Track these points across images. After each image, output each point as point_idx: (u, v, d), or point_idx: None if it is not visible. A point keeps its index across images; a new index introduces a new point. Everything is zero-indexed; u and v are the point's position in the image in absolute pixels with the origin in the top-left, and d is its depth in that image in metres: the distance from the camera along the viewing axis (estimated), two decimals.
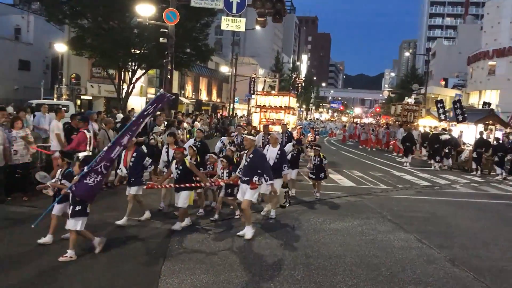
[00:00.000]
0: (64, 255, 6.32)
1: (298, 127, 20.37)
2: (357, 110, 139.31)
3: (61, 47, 33.76)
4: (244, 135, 8.66)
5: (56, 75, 42.53)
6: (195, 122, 24.97)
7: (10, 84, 41.68)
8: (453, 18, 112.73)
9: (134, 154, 8.48)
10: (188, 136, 14.54)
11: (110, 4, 24.12)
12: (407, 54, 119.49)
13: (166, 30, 18.66)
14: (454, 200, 12.99)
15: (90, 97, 36.79)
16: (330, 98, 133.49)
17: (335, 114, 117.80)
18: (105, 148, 7.00)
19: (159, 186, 8.53)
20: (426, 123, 28.62)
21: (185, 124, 18.30)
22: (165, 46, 19.13)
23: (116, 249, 6.92)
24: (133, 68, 27.98)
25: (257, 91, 18.95)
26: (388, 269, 6.80)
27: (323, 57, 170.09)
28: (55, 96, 35.78)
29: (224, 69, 53.93)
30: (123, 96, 28.08)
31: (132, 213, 8.45)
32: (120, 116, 15.25)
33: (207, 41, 30.69)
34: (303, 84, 66.72)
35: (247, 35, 78.28)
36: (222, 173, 9.29)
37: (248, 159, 8.07)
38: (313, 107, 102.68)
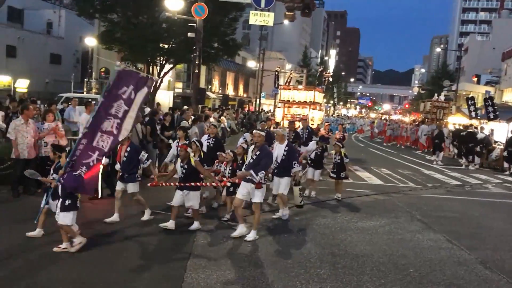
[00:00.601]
0: (59, 246, 6.35)
1: (326, 123, 19.43)
2: (386, 107, 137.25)
3: (91, 41, 34.34)
4: (255, 130, 8.07)
5: (86, 68, 43.22)
6: (221, 117, 25.03)
7: (41, 78, 42.58)
8: (487, 13, 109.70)
9: (128, 149, 8.12)
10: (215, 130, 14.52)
11: None
12: (438, 49, 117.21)
13: (195, 25, 18.70)
14: (486, 201, 12.63)
15: None
16: (358, 93, 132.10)
17: (363, 110, 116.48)
18: (80, 136, 6.63)
19: (163, 184, 8.18)
20: (456, 121, 28.01)
21: (211, 119, 18.33)
22: (193, 41, 19.17)
23: (142, 243, 6.97)
24: (161, 62, 28.21)
25: (280, 85, 18.29)
26: (417, 270, 6.64)
27: (351, 52, 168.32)
28: (85, 89, 36.41)
29: (251, 64, 53.85)
30: (151, 90, 28.33)
31: (154, 207, 8.48)
32: (147, 110, 15.34)
33: (235, 35, 30.66)
34: (330, 78, 66.10)
35: (275, 30, 77.91)
36: (225, 169, 8.76)
37: (255, 156, 7.56)
38: (341, 103, 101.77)
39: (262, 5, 16.83)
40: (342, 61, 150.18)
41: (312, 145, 11.21)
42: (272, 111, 44.51)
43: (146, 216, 8.23)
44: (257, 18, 17.74)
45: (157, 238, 7.25)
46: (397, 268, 6.66)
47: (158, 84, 28.27)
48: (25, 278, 5.44)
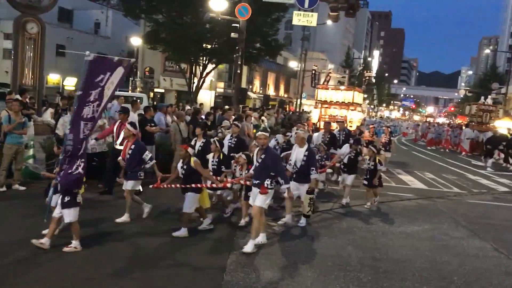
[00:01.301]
0: (69, 246, 6.25)
1: (370, 125, 18.59)
2: (430, 109, 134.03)
3: (136, 41, 35.18)
4: (260, 132, 7.28)
5: (131, 68, 44.26)
6: (262, 118, 25.06)
7: None
8: None
9: (132, 146, 7.85)
10: (254, 130, 14.55)
11: None
12: (487, 51, 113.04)
13: (238, 25, 18.83)
14: None
15: (163, 90, 38.06)
16: (401, 95, 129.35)
17: (406, 112, 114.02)
18: (67, 131, 6.41)
19: (165, 186, 7.72)
20: (503, 125, 26.95)
21: (252, 119, 18.39)
22: (236, 41, 19.31)
23: (183, 241, 7.06)
24: (204, 62, 28.57)
25: (318, 84, 17.30)
26: (461, 277, 6.45)
27: (395, 53, 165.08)
28: (130, 88, 37.32)
29: (293, 64, 53.68)
30: (194, 89, 28.75)
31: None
32: (187, 108, 15.61)
33: (277, 36, 30.68)
34: (373, 79, 64.96)
35: (318, 30, 77.32)
36: (240, 173, 8.27)
37: (260, 160, 6.94)
38: (384, 105, 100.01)
39: (306, 5, 16.76)
40: (386, 62, 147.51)
41: (345, 148, 10.67)
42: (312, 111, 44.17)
43: (123, 219, 7.70)
44: (300, 18, 17.66)
45: (198, 237, 7.33)
46: (441, 275, 6.49)
47: (200, 84, 28.69)
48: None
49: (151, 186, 7.87)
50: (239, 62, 19.51)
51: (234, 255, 6.60)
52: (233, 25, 19.05)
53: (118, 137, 9.14)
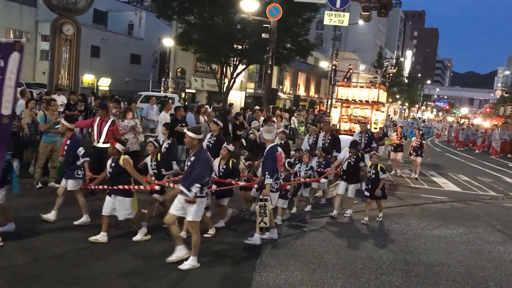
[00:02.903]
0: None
1: (398, 126, 16.91)
2: (464, 110, 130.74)
3: (169, 42, 35.62)
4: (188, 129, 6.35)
5: (163, 68, 44.89)
6: (292, 118, 25.00)
7: (122, 77, 44.80)
8: None
9: (68, 142, 7.30)
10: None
11: (216, 0, 24.91)
12: None
13: (269, 26, 18.83)
14: None
15: (194, 91, 38.41)
16: (435, 96, 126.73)
17: (440, 113, 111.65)
18: None
19: (93, 187, 7.18)
20: None
21: (282, 119, 18.39)
22: (267, 42, 19.31)
23: (213, 241, 7.10)
24: (234, 63, 28.68)
25: (337, 81, 15.06)
26: (497, 284, 6.27)
27: (429, 53, 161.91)
28: (162, 88, 37.82)
29: (324, 65, 53.31)
30: (224, 90, 28.91)
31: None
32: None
33: (308, 36, 30.52)
34: (405, 80, 63.74)
35: (349, 30, 76.55)
36: (221, 167, 7.79)
37: (189, 163, 6.05)
38: (416, 105, 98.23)
39: (337, 5, 16.63)
40: (419, 63, 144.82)
41: (344, 152, 9.30)
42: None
43: (82, 220, 7.25)
44: (331, 18, 17.54)
45: (228, 237, 7.36)
46: (475, 280, 6.32)
47: (230, 85, 28.81)
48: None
49: (79, 187, 7.23)
50: (270, 63, 19.51)
51: (263, 255, 6.59)
52: (264, 25, 19.06)
53: (100, 135, 8.89)
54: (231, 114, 13.49)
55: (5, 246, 6.00)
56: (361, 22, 19.19)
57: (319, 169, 9.54)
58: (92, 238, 6.50)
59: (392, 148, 15.30)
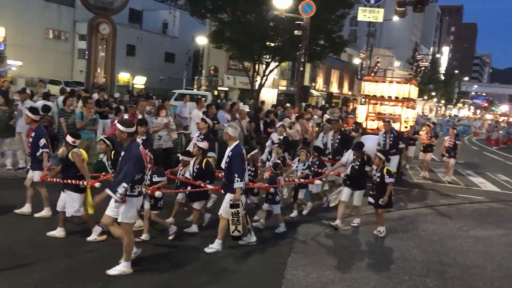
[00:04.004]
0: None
1: (427, 124, 15.65)
2: (504, 108, 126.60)
3: (202, 40, 35.94)
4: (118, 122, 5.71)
5: (196, 66, 45.32)
6: (324, 115, 24.78)
7: (156, 75, 45.49)
8: None
9: (33, 134, 7.14)
10: (317, 129, 14.37)
11: None
12: None
13: (301, 22, 18.72)
14: None
15: (226, 88, 38.63)
16: (472, 93, 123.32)
17: (478, 111, 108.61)
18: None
19: (49, 180, 6.88)
20: None
21: (315, 116, 18.25)
22: (299, 39, 19.21)
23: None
24: (267, 60, 28.67)
25: (364, 76, 13.28)
26: None
27: (467, 49, 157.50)
28: (195, 86, 38.19)
29: (358, 61, 52.63)
30: (256, 88, 28.95)
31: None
32: (246, 107, 15.75)
33: (342, 32, 30.20)
34: (428, 67, 61.58)
35: (384, 26, 75.33)
36: (182, 173, 7.43)
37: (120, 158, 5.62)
38: (453, 103, 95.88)
39: (372, 1, 16.42)
40: (456, 59, 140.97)
41: (348, 155, 8.37)
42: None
43: (43, 213, 7.17)
44: (366, 14, 17.34)
45: (259, 234, 7.34)
46: None
47: (262, 82, 28.82)
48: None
49: (37, 179, 7.05)
50: (302, 60, 19.41)
51: (295, 253, 6.56)
52: (296, 22, 18.96)
53: None
54: (262, 111, 13.47)
55: None
56: (396, 18, 18.87)
57: (312, 169, 8.79)
58: (49, 233, 6.41)
59: (421, 148, 14.29)
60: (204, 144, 7.19)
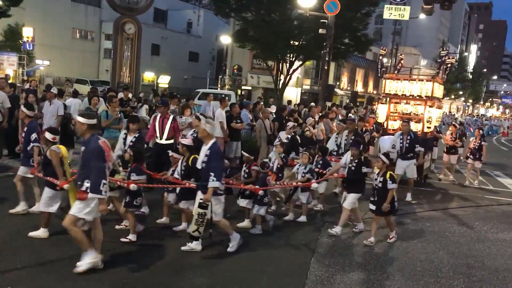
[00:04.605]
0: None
1: (451, 124, 14.65)
2: None
3: (226, 40, 36.06)
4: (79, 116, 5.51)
5: (220, 66, 45.53)
6: (349, 115, 24.56)
7: (181, 74, 45.86)
8: None
9: (25, 129, 7.11)
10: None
11: None
12: None
13: (326, 21, 18.58)
14: None
15: (250, 88, 38.70)
16: (501, 92, 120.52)
17: (507, 110, 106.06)
18: None
19: (36, 174, 6.67)
20: None
21: (339, 116, 18.10)
22: (324, 37, 19.07)
23: (267, 237, 7.08)
24: (291, 59, 28.59)
25: (385, 73, 12.25)
26: None
27: (496, 47, 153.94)
28: (219, 85, 38.35)
29: (383, 60, 52.03)
30: (280, 87, 28.89)
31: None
32: (273, 107, 15.69)
33: (367, 31, 29.91)
34: (455, 64, 60.23)
35: (410, 24, 74.28)
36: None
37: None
38: (481, 102, 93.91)
39: None
40: (485, 57, 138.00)
41: (346, 156, 7.81)
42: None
43: (17, 209, 7.05)
44: (391, 12, 17.08)
45: (282, 234, 7.30)
46: None
47: (286, 81, 28.74)
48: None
49: (24, 174, 6.95)
50: (327, 58, 19.27)
51: (318, 254, 6.50)
52: (321, 21, 18.83)
53: (162, 132, 8.93)
54: (286, 111, 13.41)
55: None
56: (422, 15, 18.52)
57: (315, 169, 8.32)
58: (31, 234, 6.19)
59: (445, 149, 13.40)
60: (188, 141, 6.89)
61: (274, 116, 13.26)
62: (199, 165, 6.10)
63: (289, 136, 9.59)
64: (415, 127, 11.75)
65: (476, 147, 12.79)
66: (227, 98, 13.98)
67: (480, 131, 13.62)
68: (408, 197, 10.20)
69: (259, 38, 26.69)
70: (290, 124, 10.06)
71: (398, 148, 10.16)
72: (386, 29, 71.47)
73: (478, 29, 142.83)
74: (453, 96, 74.75)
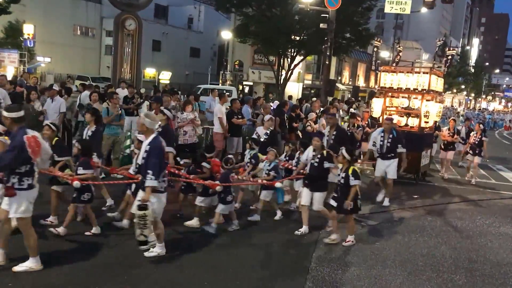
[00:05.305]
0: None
1: (450, 119, 14.04)
2: None
3: (227, 35, 35.98)
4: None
5: (221, 61, 45.45)
6: (350, 109, 24.51)
7: (182, 70, 45.82)
8: None
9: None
10: (342, 123, 14.17)
11: None
12: None
13: (327, 15, 18.52)
14: None
15: (251, 83, 38.65)
16: (504, 86, 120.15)
17: (509, 104, 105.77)
18: None
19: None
20: None
21: (340, 112, 18.05)
22: (325, 32, 19.01)
23: (269, 233, 7.07)
24: (292, 54, 28.52)
25: (379, 66, 11.47)
26: None
27: (498, 40, 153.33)
28: (220, 81, 38.31)
29: (385, 54, 51.83)
30: (281, 82, 28.84)
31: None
32: (276, 102, 15.66)
33: (368, 25, 29.79)
34: (456, 55, 59.80)
35: (411, 18, 73.93)
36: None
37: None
38: (483, 96, 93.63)
39: None
40: (487, 51, 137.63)
41: (308, 151, 7.20)
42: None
43: None
44: (393, 6, 17.03)
45: (284, 229, 7.28)
46: None
47: (288, 76, 28.67)
48: None
49: None
50: (328, 53, 19.22)
51: (320, 249, 6.49)
52: (322, 15, 18.77)
53: None
54: (287, 106, 13.38)
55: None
56: (424, 9, 18.44)
57: (292, 167, 7.88)
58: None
59: (442, 146, 12.88)
60: (143, 137, 6.61)
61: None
62: (139, 161, 5.77)
63: (268, 132, 9.13)
64: (412, 122, 11.41)
65: (477, 142, 12.25)
66: (227, 93, 13.95)
67: (481, 125, 13.09)
68: (386, 202, 9.07)
69: (260, 33, 26.64)
70: (267, 117, 9.51)
71: (378, 146, 9.33)
72: (388, 23, 71.16)
73: (480, 22, 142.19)
74: (455, 90, 74.52)
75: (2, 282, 4.83)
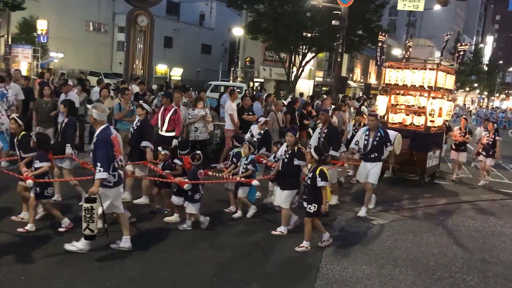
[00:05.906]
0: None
1: (462, 118, 13.21)
2: None
3: (238, 32, 35.93)
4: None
5: (232, 58, 45.42)
6: (362, 107, 24.38)
7: (193, 67, 45.90)
8: None
9: None
10: (353, 121, 14.07)
11: None
12: None
13: (339, 12, 18.42)
14: None
15: (262, 80, 38.58)
16: None
17: None
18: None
19: None
20: None
21: (351, 109, 17.95)
22: (337, 29, 18.91)
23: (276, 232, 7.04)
24: (303, 51, 28.43)
25: (384, 62, 11.05)
26: None
27: None
28: (231, 78, 38.30)
29: (397, 52, 51.47)
30: (292, 79, 28.77)
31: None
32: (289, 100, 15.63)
33: (380, 22, 29.59)
34: (469, 52, 58.96)
35: (424, 15, 73.41)
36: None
37: None
38: (497, 94, 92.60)
39: None
40: (501, 48, 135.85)
41: (282, 147, 7.02)
42: None
43: None
44: (406, 3, 16.88)
45: (294, 227, 7.26)
46: None
47: (299, 73, 28.59)
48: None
49: None
50: (340, 50, 19.10)
51: (330, 247, 6.45)
52: (334, 12, 18.69)
53: (163, 123, 8.92)
54: (298, 103, 13.33)
55: None
56: (437, 6, 18.26)
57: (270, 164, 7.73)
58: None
59: (453, 146, 12.27)
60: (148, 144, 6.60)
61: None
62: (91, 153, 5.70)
63: (262, 132, 8.77)
64: (418, 121, 10.91)
65: (490, 142, 11.58)
66: (238, 90, 13.94)
67: (495, 125, 12.44)
68: (362, 212, 8.06)
69: (272, 30, 26.60)
70: (262, 119, 9.16)
71: (362, 145, 8.31)
72: (400, 20, 70.58)
73: (495, 20, 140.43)
74: (467, 89, 73.78)
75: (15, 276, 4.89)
